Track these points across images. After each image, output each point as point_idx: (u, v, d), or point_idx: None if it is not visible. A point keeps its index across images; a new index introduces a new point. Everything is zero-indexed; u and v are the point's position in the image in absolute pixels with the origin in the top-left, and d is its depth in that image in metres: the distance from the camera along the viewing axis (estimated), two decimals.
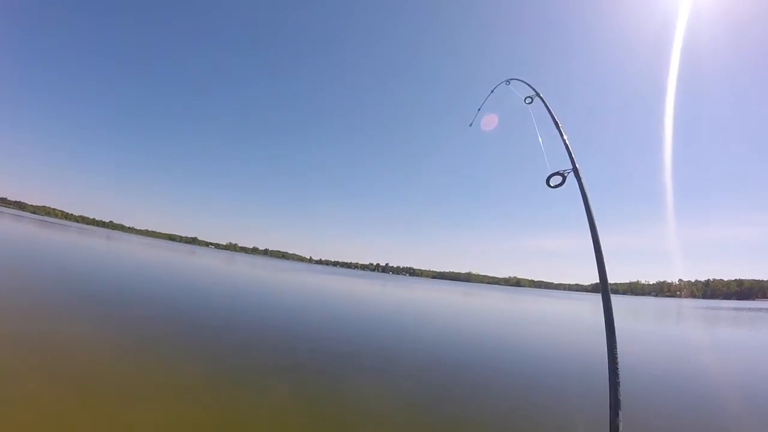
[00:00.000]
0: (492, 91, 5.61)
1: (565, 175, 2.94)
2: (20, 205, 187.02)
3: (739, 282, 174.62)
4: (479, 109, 5.94)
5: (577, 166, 3.02)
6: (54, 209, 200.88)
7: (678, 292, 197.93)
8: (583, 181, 2.90)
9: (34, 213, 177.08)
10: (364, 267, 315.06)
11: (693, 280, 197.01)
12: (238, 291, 30.82)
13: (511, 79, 4.89)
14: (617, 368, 1.98)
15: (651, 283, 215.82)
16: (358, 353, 10.75)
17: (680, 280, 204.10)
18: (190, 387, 8.21)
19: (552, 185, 2.99)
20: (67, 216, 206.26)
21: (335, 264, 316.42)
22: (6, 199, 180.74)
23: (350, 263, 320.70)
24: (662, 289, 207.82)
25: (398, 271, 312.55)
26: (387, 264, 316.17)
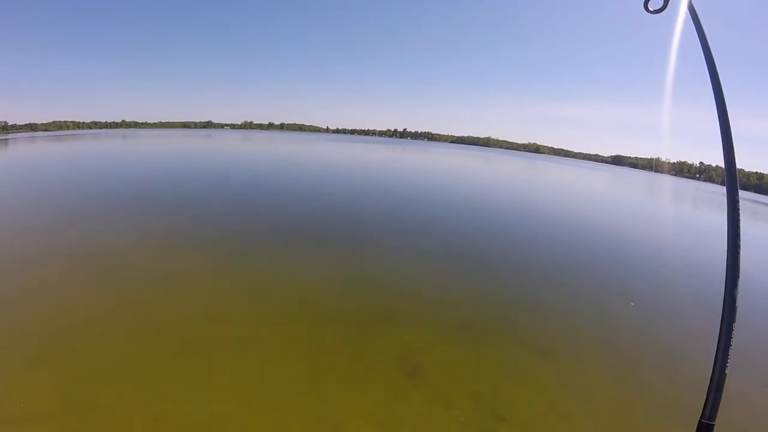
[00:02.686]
0: None
1: None
2: (31, 126, 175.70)
3: (760, 176, 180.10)
4: None
5: None
6: (65, 122, 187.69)
7: (697, 175, 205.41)
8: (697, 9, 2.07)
9: (46, 130, 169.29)
10: (381, 133, 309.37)
11: (714, 165, 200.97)
12: (260, 168, 35.08)
13: None
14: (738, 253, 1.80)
15: (672, 162, 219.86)
16: (386, 218, 15.75)
17: (701, 162, 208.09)
18: (226, 265, 9.41)
19: (651, 10, 2.52)
20: (78, 125, 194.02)
21: (353, 132, 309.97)
22: (16, 125, 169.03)
23: (368, 130, 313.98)
24: (682, 170, 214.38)
25: (416, 136, 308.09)
26: (405, 129, 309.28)
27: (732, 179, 2.05)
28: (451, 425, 5.39)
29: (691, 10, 2.22)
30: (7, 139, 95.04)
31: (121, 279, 8.57)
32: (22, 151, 49.55)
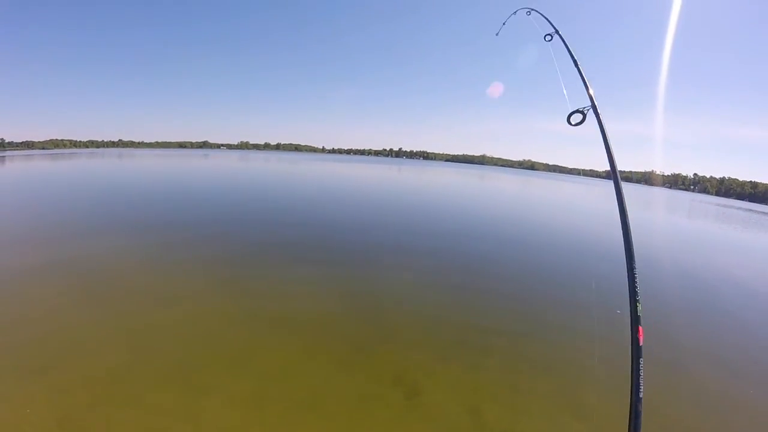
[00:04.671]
0: (514, 13, 5.71)
1: (585, 112, 3.01)
2: (28, 144, 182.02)
3: (754, 184, 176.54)
4: (504, 23, 6.21)
5: (595, 102, 3.00)
6: (62, 140, 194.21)
7: (692, 187, 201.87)
8: (602, 117, 2.86)
9: (43, 148, 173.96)
10: (377, 153, 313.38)
11: (708, 176, 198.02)
12: (256, 188, 34.97)
13: (532, 10, 4.91)
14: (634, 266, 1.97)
15: (666, 174, 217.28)
16: (382, 238, 15.80)
17: (695, 174, 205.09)
18: (222, 282, 9.53)
19: (573, 123, 3.05)
20: (75, 144, 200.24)
21: (348, 152, 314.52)
22: (13, 142, 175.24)
23: (363, 150, 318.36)
24: (676, 182, 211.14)
25: (412, 155, 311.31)
26: (400, 149, 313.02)
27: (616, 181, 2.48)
28: None
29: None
30: (4, 156, 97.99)
31: (118, 297, 8.86)
32: (21, 168, 51.70)
